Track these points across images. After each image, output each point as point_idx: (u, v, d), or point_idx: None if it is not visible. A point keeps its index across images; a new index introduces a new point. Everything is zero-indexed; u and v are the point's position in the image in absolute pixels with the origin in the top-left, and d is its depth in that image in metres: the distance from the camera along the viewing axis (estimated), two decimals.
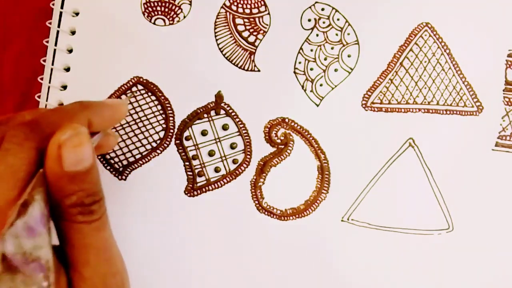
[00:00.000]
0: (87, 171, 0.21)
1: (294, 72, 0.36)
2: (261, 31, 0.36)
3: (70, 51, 0.36)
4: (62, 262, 0.22)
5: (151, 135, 0.36)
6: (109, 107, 0.27)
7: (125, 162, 0.35)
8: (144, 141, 0.36)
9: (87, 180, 0.22)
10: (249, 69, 0.36)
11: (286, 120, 0.36)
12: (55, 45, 0.36)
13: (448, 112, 0.36)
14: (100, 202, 0.23)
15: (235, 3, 0.36)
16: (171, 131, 0.36)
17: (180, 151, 0.36)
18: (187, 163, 0.36)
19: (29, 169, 0.21)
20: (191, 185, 0.35)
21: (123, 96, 0.35)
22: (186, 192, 0.35)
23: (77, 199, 0.21)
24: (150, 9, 0.36)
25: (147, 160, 0.35)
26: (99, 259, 0.23)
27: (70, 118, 0.23)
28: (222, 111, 0.36)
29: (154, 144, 0.36)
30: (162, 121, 0.36)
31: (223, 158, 0.36)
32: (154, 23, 0.36)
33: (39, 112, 0.23)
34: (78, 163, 0.21)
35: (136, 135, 0.36)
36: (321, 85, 0.36)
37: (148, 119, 0.36)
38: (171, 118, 0.36)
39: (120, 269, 0.24)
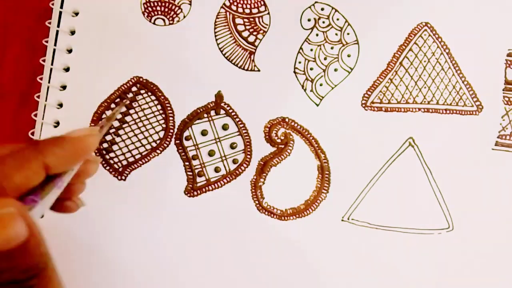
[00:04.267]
0: (21, 246, 0.19)
1: (294, 72, 0.36)
2: (261, 31, 0.36)
3: (70, 51, 0.36)
4: None
5: (151, 135, 0.36)
6: (70, 142, 0.24)
7: (124, 162, 0.35)
8: (144, 141, 0.35)
9: (21, 255, 0.19)
10: (249, 69, 0.36)
11: (286, 120, 0.36)
12: (55, 45, 0.36)
13: (448, 112, 0.36)
14: (41, 274, 0.20)
15: (235, 3, 0.36)
16: (171, 131, 0.36)
17: (180, 151, 0.36)
18: (187, 163, 0.35)
19: None
20: (191, 185, 0.35)
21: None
22: (186, 192, 0.35)
23: (8, 277, 0.19)
24: (150, 9, 0.36)
25: (147, 160, 0.35)
26: None
27: (21, 167, 0.21)
28: (222, 111, 0.36)
29: (154, 144, 0.35)
30: (162, 121, 0.36)
31: (223, 158, 0.36)
32: (154, 23, 0.36)
33: None
34: (8, 242, 0.19)
35: (136, 135, 0.36)
36: (321, 84, 0.36)
37: (148, 119, 0.36)
38: (171, 118, 0.36)
39: None
